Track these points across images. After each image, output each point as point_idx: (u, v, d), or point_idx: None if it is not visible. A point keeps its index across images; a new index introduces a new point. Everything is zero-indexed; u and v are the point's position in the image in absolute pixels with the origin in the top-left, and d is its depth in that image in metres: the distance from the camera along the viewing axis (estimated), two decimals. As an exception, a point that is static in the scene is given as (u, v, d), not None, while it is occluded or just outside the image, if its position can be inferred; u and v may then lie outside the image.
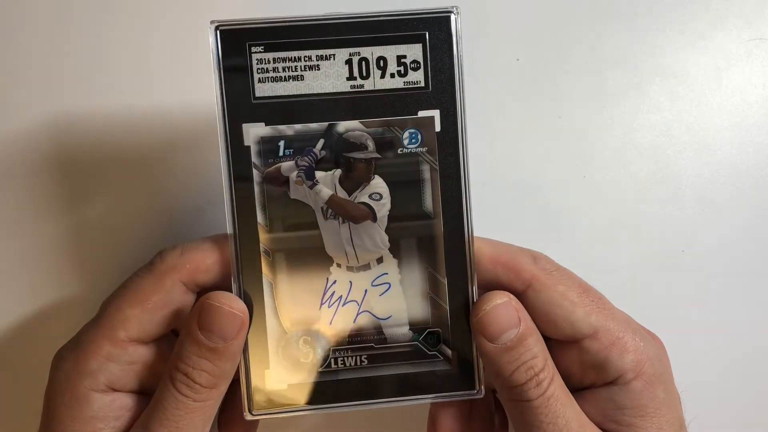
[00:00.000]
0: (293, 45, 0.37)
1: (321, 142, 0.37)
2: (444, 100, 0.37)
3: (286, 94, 0.37)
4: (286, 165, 0.38)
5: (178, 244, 0.39)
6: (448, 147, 0.38)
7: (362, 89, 0.37)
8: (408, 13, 0.37)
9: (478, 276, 0.38)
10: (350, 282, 0.38)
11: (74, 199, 0.46)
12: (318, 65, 0.37)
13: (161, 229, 0.46)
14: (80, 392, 0.37)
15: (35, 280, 0.46)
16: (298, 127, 0.37)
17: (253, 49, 0.37)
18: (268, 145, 0.37)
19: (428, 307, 0.39)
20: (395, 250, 0.38)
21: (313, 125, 0.37)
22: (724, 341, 0.50)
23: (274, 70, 0.37)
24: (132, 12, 0.46)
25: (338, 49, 0.37)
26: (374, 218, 0.38)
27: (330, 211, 0.38)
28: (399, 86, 0.37)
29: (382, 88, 0.37)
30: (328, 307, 0.38)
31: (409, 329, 0.39)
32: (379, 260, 0.38)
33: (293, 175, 0.38)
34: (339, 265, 0.38)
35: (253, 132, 0.37)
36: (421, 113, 0.37)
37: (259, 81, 0.37)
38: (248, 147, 0.37)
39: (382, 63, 0.37)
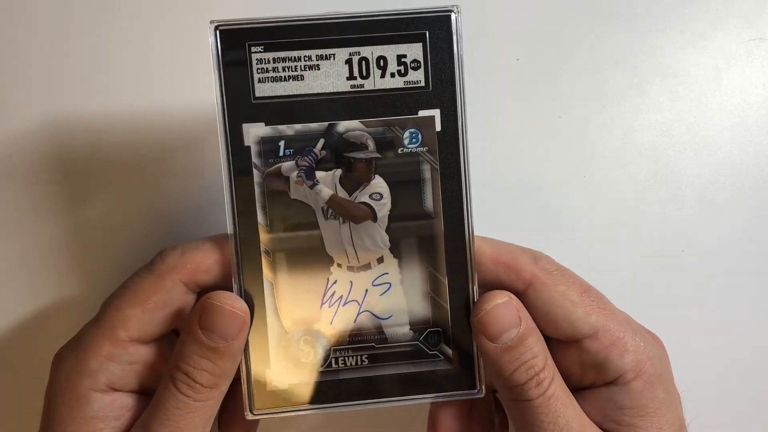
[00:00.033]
0: (293, 45, 0.37)
1: (321, 142, 0.37)
2: (444, 100, 0.37)
3: (286, 94, 0.37)
4: (287, 165, 0.38)
5: (178, 244, 0.39)
6: (449, 146, 0.38)
7: (362, 89, 0.37)
8: (408, 12, 0.37)
9: (478, 275, 0.38)
10: (351, 282, 0.38)
11: (74, 199, 0.46)
12: (318, 65, 0.37)
13: (161, 229, 0.46)
14: (80, 392, 0.37)
15: (35, 280, 0.46)
16: (298, 127, 0.37)
17: (253, 48, 0.37)
18: (268, 145, 0.37)
19: (429, 307, 0.39)
20: (396, 249, 0.38)
21: (313, 125, 0.37)
22: (724, 341, 0.50)
23: (274, 70, 0.37)
24: (132, 12, 0.46)
25: (338, 49, 0.37)
26: (375, 218, 0.38)
27: (330, 211, 0.38)
28: (399, 86, 0.37)
29: (383, 87, 0.37)
30: (329, 306, 0.38)
31: (410, 329, 0.39)
32: (380, 260, 0.38)
33: (293, 175, 0.38)
34: (339, 265, 0.38)
35: (253, 132, 0.37)
36: (422, 113, 0.37)
37: (259, 81, 0.37)
38: (248, 147, 0.37)
39: (382, 62, 0.37)
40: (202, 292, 0.38)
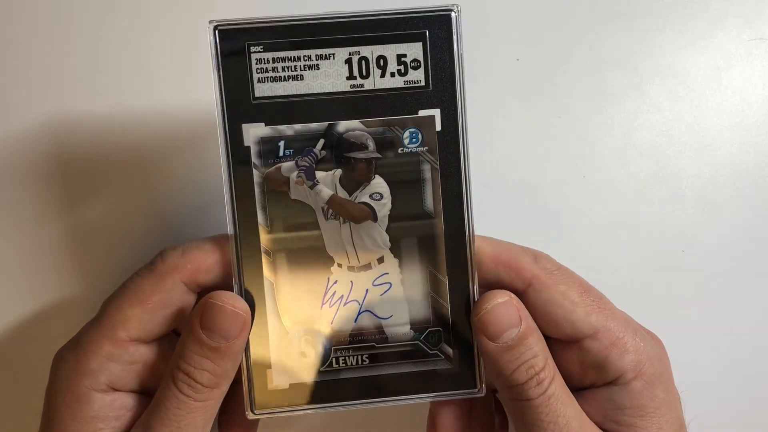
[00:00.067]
0: (292, 45, 0.37)
1: (321, 142, 0.37)
2: (444, 99, 0.37)
3: (285, 94, 0.37)
4: (287, 165, 0.37)
5: (179, 245, 0.39)
6: (449, 146, 0.38)
7: (362, 89, 0.37)
8: (408, 11, 0.37)
9: (479, 275, 0.38)
10: (351, 282, 0.38)
11: (74, 199, 0.46)
12: (317, 65, 0.37)
13: (161, 229, 0.46)
14: (81, 392, 0.37)
15: (35, 280, 0.46)
16: (298, 127, 0.37)
17: (252, 48, 0.37)
18: (268, 146, 0.37)
19: (429, 307, 0.39)
20: (396, 249, 0.38)
21: (313, 125, 0.37)
22: (724, 341, 0.50)
23: (274, 69, 0.37)
24: (132, 12, 0.46)
25: (338, 49, 0.37)
26: (375, 218, 0.38)
27: (330, 211, 0.38)
28: (399, 85, 0.37)
29: (382, 87, 0.37)
30: (329, 306, 0.38)
31: (410, 328, 0.39)
32: (380, 260, 0.38)
33: (293, 175, 0.38)
34: (340, 265, 0.38)
35: (253, 132, 0.37)
36: (422, 112, 0.37)
37: (259, 81, 0.37)
38: (248, 147, 0.37)
39: (382, 62, 0.37)
40: (203, 292, 0.38)
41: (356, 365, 0.39)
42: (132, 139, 0.46)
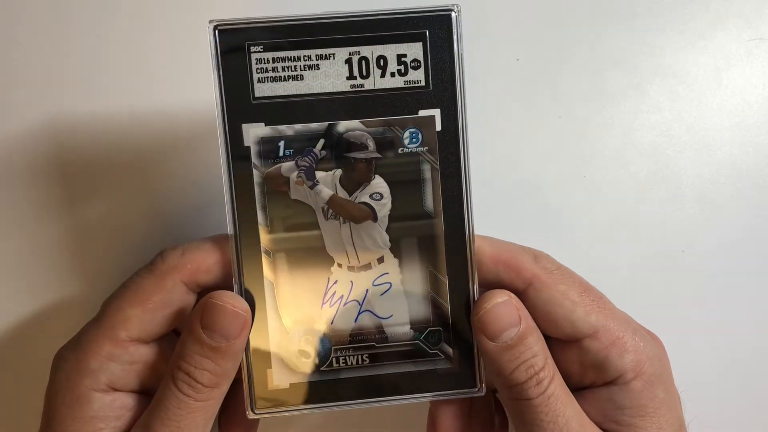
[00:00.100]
0: (292, 44, 0.37)
1: (321, 142, 0.37)
2: (445, 99, 0.37)
3: (285, 94, 0.37)
4: (287, 165, 0.37)
5: (179, 244, 0.39)
6: (449, 146, 0.38)
7: (362, 89, 0.37)
8: (408, 11, 0.37)
9: (479, 275, 0.38)
10: (351, 282, 0.38)
11: (74, 199, 0.46)
12: (317, 65, 0.37)
13: (161, 229, 0.46)
14: (81, 392, 0.37)
15: (35, 280, 0.46)
16: (298, 127, 0.37)
17: (252, 48, 0.37)
18: (268, 146, 0.37)
19: (429, 306, 0.39)
20: (396, 249, 0.38)
21: (313, 125, 0.37)
22: (724, 341, 0.50)
23: (274, 69, 0.37)
24: (132, 12, 0.46)
25: (338, 49, 0.37)
26: (375, 218, 0.38)
27: (331, 211, 0.38)
28: (399, 85, 0.37)
29: (383, 87, 0.37)
30: (330, 306, 0.38)
31: (411, 328, 0.39)
32: (380, 260, 0.38)
33: (294, 175, 0.38)
34: (340, 265, 0.38)
35: (253, 132, 0.37)
36: (422, 112, 0.37)
37: (259, 81, 0.37)
38: (248, 147, 0.37)
39: (382, 62, 0.37)
40: (203, 292, 0.38)
41: (356, 365, 0.39)
42: (132, 139, 0.46)
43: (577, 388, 0.39)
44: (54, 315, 0.46)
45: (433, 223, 0.38)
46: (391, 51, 0.37)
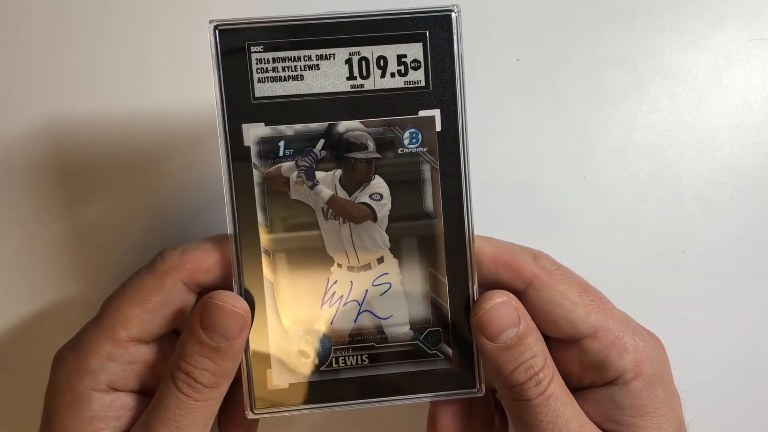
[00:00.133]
0: (293, 45, 0.37)
1: (321, 142, 0.37)
2: (445, 100, 0.37)
3: (285, 94, 0.37)
4: (287, 165, 0.37)
5: (179, 244, 0.39)
6: (449, 146, 0.38)
7: (362, 89, 0.37)
8: (408, 11, 0.37)
9: (478, 275, 0.38)
10: (351, 282, 0.38)
11: (74, 199, 0.46)
12: (318, 65, 0.37)
13: (161, 229, 0.46)
14: (81, 392, 0.37)
15: (35, 280, 0.46)
16: (298, 127, 0.37)
17: (253, 48, 0.37)
18: (268, 146, 0.37)
19: (429, 307, 0.39)
20: (396, 249, 0.38)
21: (313, 125, 0.37)
22: (724, 341, 0.50)
23: (274, 69, 0.37)
24: (132, 12, 0.46)
25: (338, 49, 0.37)
26: (375, 218, 0.38)
27: (330, 211, 0.38)
28: (399, 86, 0.37)
29: (383, 87, 0.37)
30: (329, 306, 0.38)
31: (410, 328, 0.39)
32: (380, 260, 0.38)
33: (293, 175, 0.38)
34: (340, 265, 0.38)
35: (253, 132, 0.37)
36: (422, 113, 0.37)
37: (259, 81, 0.37)
38: (248, 147, 0.37)
39: (382, 62, 0.37)
40: (203, 292, 0.38)
41: (356, 365, 0.39)
42: (132, 139, 0.46)
43: (576, 389, 0.39)
44: (54, 315, 0.46)
45: (432, 224, 0.38)
46: (391, 51, 0.37)
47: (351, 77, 0.37)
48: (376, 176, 0.38)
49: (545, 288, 0.38)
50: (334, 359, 0.39)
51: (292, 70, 0.37)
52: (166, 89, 0.46)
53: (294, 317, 0.38)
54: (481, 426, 0.41)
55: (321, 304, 0.38)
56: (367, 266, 0.38)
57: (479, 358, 0.39)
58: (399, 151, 0.38)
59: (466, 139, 0.38)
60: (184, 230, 0.46)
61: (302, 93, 0.37)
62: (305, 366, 0.38)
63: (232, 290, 0.37)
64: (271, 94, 0.37)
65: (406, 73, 0.37)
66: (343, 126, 0.37)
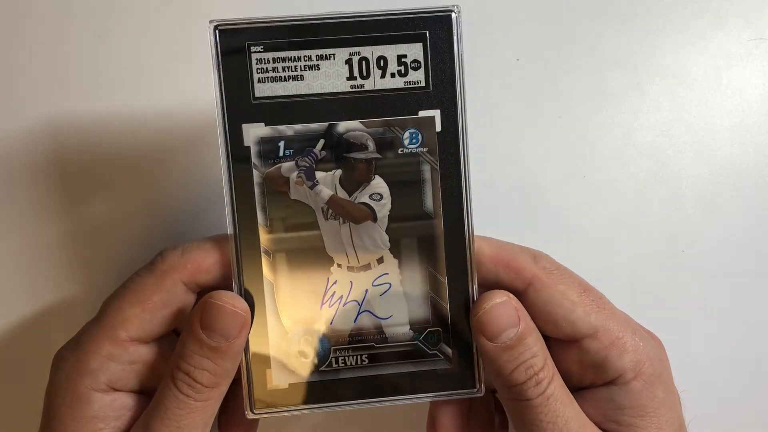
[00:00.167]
0: (293, 45, 0.37)
1: (321, 142, 0.37)
2: (445, 100, 0.37)
3: (285, 94, 0.37)
4: (287, 165, 0.37)
5: (178, 244, 0.39)
6: (449, 147, 0.38)
7: (362, 89, 0.37)
8: (408, 12, 0.37)
9: (478, 275, 0.38)
10: (351, 282, 0.38)
11: (74, 199, 0.46)
12: (318, 65, 0.37)
13: (161, 229, 0.46)
14: (81, 392, 0.37)
15: (35, 280, 0.46)
16: (298, 127, 0.37)
17: (253, 48, 0.37)
18: (268, 146, 0.37)
19: (429, 307, 0.39)
20: (396, 250, 0.38)
21: (313, 125, 0.37)
22: (724, 341, 0.50)
23: (274, 70, 0.37)
24: (132, 12, 0.46)
25: (338, 49, 0.37)
26: (375, 218, 0.38)
27: (330, 211, 0.38)
28: (399, 86, 0.37)
29: (383, 87, 0.37)
30: (329, 306, 0.38)
31: (410, 329, 0.39)
32: (380, 260, 0.38)
33: (293, 175, 0.38)
34: (339, 266, 0.38)
35: (253, 132, 0.37)
36: (422, 113, 0.37)
37: (259, 81, 0.37)
38: (248, 147, 0.37)
39: (382, 62, 0.37)
40: (203, 292, 0.38)
41: (355, 365, 0.39)
42: (132, 139, 0.46)
43: (576, 389, 0.39)
44: (54, 315, 0.46)
45: (432, 224, 0.38)
46: (391, 51, 0.37)
47: (351, 77, 0.37)
48: (376, 176, 0.38)
49: (545, 288, 0.38)
50: (333, 359, 0.39)
51: (292, 70, 0.37)
52: (166, 89, 0.46)
53: (294, 317, 0.38)
54: (481, 426, 0.41)
55: (321, 304, 0.38)
56: (367, 266, 0.38)
57: (479, 358, 0.39)
58: (399, 152, 0.38)
59: (466, 139, 0.38)
60: (184, 230, 0.46)
61: (302, 93, 0.37)
62: (305, 366, 0.39)
63: (232, 290, 0.37)
64: (271, 94, 0.37)
65: (406, 74, 0.37)
66: (343, 126, 0.37)
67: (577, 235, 0.49)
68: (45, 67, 0.45)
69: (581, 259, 0.44)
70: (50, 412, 0.38)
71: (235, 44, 0.36)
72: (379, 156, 0.38)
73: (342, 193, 0.38)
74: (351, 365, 0.39)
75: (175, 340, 0.37)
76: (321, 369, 0.39)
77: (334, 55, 0.37)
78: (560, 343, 0.39)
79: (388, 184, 0.38)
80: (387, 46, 0.37)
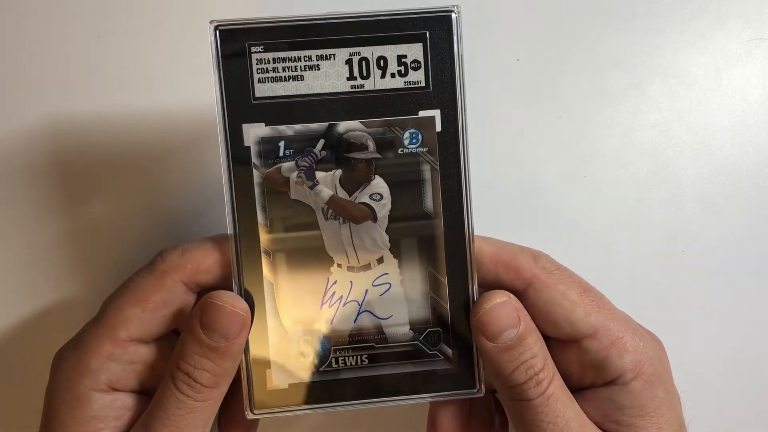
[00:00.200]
0: (293, 45, 0.37)
1: (321, 142, 0.37)
2: (445, 100, 0.37)
3: (286, 94, 0.37)
4: (287, 165, 0.37)
5: (178, 244, 0.39)
6: (449, 147, 0.38)
7: (362, 89, 0.37)
8: (408, 12, 0.37)
9: (478, 275, 0.38)
10: (351, 282, 0.38)
11: (74, 199, 0.46)
12: (318, 65, 0.37)
13: (161, 229, 0.46)
14: (81, 392, 0.37)
15: (35, 280, 0.46)
16: (298, 127, 0.37)
17: (253, 49, 0.37)
18: (268, 146, 0.37)
19: (429, 307, 0.39)
20: (396, 250, 0.38)
21: (313, 125, 0.37)
22: (724, 341, 0.50)
23: (274, 70, 0.37)
24: (132, 12, 0.46)
25: (338, 49, 0.37)
26: (375, 218, 0.38)
27: (330, 211, 0.38)
28: (399, 86, 0.37)
29: (383, 87, 0.37)
30: (329, 306, 0.38)
31: (410, 329, 0.39)
32: (380, 260, 0.38)
33: (294, 175, 0.38)
34: (339, 266, 0.38)
35: (253, 132, 0.37)
36: (422, 113, 0.37)
37: (259, 81, 0.37)
38: (248, 147, 0.37)
39: (382, 63, 0.37)
40: (203, 292, 0.38)
41: (355, 365, 0.39)
42: (132, 139, 0.46)
43: (577, 389, 0.39)
44: (54, 315, 0.46)
45: (432, 224, 0.38)
46: (391, 52, 0.37)
47: (351, 77, 0.37)
48: (376, 176, 0.38)
49: (545, 288, 0.38)
50: (333, 359, 0.39)
51: (292, 71, 0.37)
52: (166, 89, 0.46)
53: (294, 317, 0.38)
54: (481, 426, 0.41)
55: (321, 304, 0.38)
56: (367, 266, 0.38)
57: (479, 359, 0.39)
58: (399, 152, 0.38)
59: (466, 140, 0.38)
60: (184, 230, 0.46)
61: (302, 93, 0.37)
62: (305, 366, 0.38)
63: (232, 290, 0.37)
64: (271, 95, 0.37)
65: (406, 74, 0.37)
66: (343, 126, 0.37)
67: (577, 235, 0.49)
68: (45, 67, 0.45)
69: (581, 259, 0.44)
70: (50, 412, 0.38)
71: (236, 44, 0.36)
72: (379, 156, 0.38)
73: (342, 193, 0.38)
74: (351, 365, 0.39)
75: (175, 340, 0.37)
76: (321, 369, 0.39)
77: (334, 55, 0.37)
78: (560, 343, 0.39)
79: (388, 184, 0.38)
80: (387, 46, 0.37)
